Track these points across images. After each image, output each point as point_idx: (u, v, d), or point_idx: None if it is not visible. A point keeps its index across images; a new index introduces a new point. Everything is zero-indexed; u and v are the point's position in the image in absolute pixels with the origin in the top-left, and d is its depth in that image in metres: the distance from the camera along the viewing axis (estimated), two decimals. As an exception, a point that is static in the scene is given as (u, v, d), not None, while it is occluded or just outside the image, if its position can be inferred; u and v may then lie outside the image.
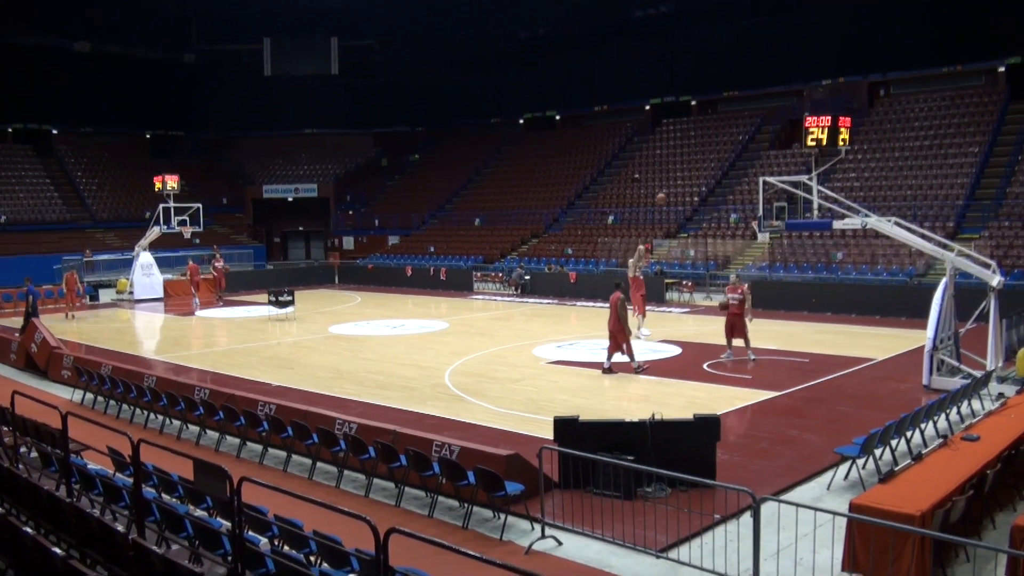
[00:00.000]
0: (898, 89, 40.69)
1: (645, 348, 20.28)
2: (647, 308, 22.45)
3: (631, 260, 22.25)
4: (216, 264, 35.17)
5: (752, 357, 18.35)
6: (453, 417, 13.96)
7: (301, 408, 12.75)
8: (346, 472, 11.16)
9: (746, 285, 18.91)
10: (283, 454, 12.00)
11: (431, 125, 60.14)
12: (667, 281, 31.78)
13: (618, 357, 17.42)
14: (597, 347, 20.47)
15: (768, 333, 23.28)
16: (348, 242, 54.43)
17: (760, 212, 18.84)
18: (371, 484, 10.69)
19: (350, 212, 56.52)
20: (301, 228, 58.93)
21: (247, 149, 59.84)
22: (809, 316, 26.19)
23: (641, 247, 22.54)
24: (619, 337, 16.90)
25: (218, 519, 8.48)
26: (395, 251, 47.32)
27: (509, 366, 18.34)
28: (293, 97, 58.25)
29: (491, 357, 19.41)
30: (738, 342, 18.54)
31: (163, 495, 9.00)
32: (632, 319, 21.70)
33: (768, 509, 8.81)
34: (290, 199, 57.10)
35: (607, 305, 23.18)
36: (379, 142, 61.20)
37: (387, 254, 46.93)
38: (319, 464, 11.53)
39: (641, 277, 22.06)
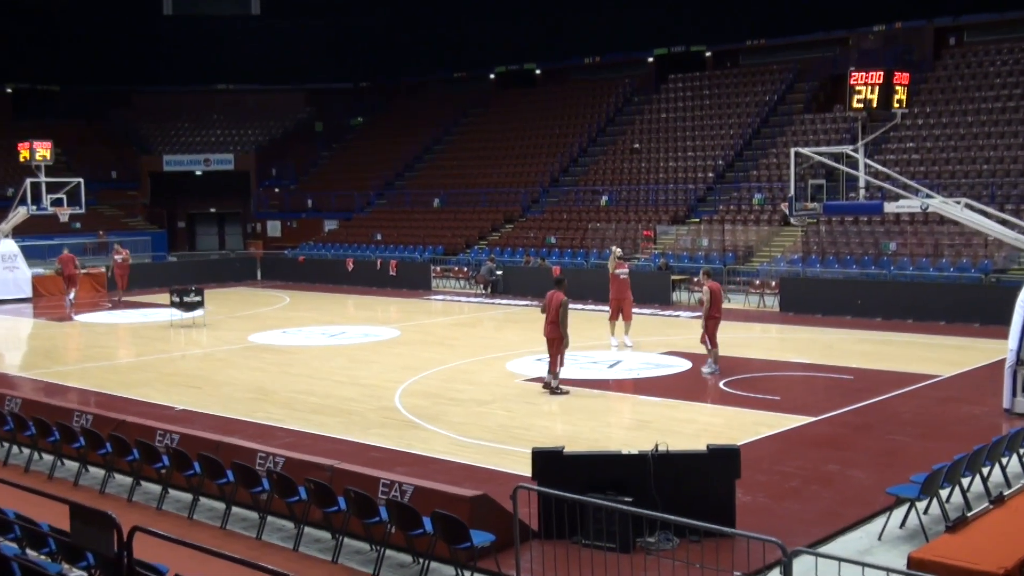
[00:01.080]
0: (973, 36, 40.87)
1: (646, 362, 20.33)
2: (634, 312, 22.58)
3: (610, 257, 22.63)
4: (117, 256, 34.89)
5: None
6: (405, 449, 13.91)
7: (212, 438, 12.65)
8: (270, 519, 11.07)
9: (706, 285, 19.22)
10: (188, 496, 11.89)
11: (378, 80, 60.07)
12: (673, 278, 31.92)
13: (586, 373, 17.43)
14: (587, 361, 20.50)
15: (801, 343, 23.39)
16: (273, 228, 54.29)
17: (792, 191, 18.95)
18: (301, 534, 10.61)
19: (276, 190, 56.32)
20: (213, 210, 58.66)
21: (142, 108, 59.42)
22: (853, 322, 26.41)
23: (615, 249, 22.79)
24: (556, 346, 16.99)
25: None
26: (333, 239, 47.26)
27: (476, 384, 18.31)
28: (202, 43, 57.90)
29: (453, 373, 19.38)
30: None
31: (28, 551, 8.85)
32: (618, 326, 21.85)
33: (802, 565, 8.81)
34: (199, 173, 56.80)
35: (604, 308, 23.30)
36: (312, 101, 61.06)
37: (323, 243, 46.91)
38: (235, 509, 11.44)
39: (624, 276, 22.13)
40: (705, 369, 19.11)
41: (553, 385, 17.16)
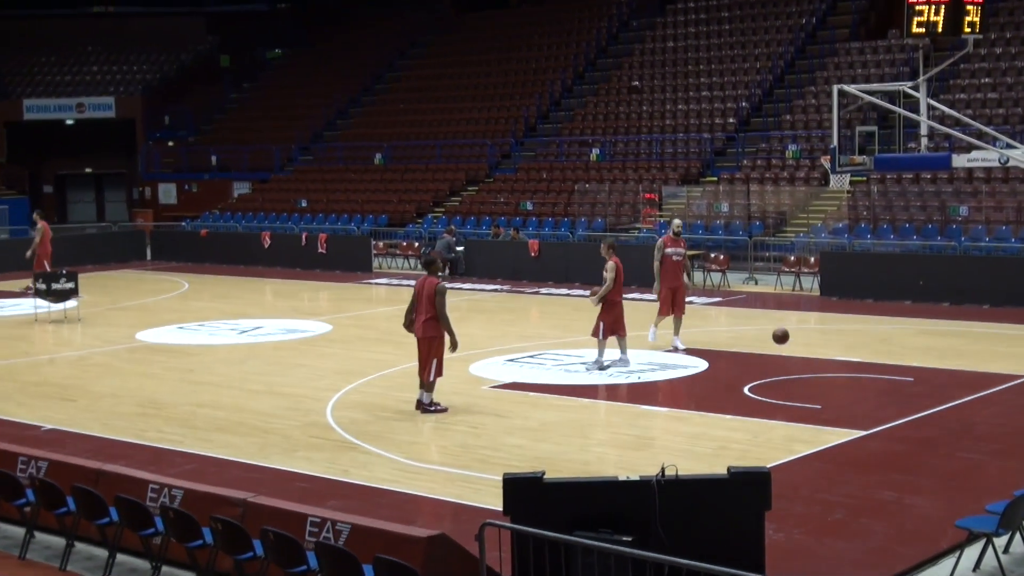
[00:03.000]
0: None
1: (649, 363, 20.38)
2: (633, 298, 22.65)
3: (666, 232, 22.54)
4: None
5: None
6: (340, 478, 13.90)
7: (91, 466, 12.58)
8: (166, 569, 11.04)
9: (611, 260, 19.67)
10: (61, 541, 11.85)
11: (301, 0, 59.69)
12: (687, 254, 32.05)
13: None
14: (572, 360, 20.52)
15: (847, 336, 23.50)
16: (167, 192, 53.98)
17: (835, 141, 19.03)
18: (206, 589, 10.60)
19: (170, 143, 55.97)
20: (89, 170, 58.24)
21: (-6, 38, 58.85)
22: (913, 308, 26.58)
23: (675, 222, 22.89)
24: (433, 349, 16.83)
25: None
26: (244, 207, 47.11)
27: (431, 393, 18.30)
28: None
29: (401, 379, 19.32)
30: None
31: None
32: (663, 318, 21.83)
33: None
34: (70, 122, 56.37)
35: (587, 294, 23.16)
36: (216, 28, 60.69)
37: (232, 212, 46.75)
38: (121, 557, 11.40)
39: (679, 258, 21.73)
40: (595, 366, 19.55)
41: (426, 401, 17.05)
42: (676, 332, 21.62)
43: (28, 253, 32.26)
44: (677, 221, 23.16)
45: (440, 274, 17.64)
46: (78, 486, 11.73)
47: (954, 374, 19.19)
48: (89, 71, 58.25)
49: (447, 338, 16.78)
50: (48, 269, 32.50)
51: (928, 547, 11.25)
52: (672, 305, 21.64)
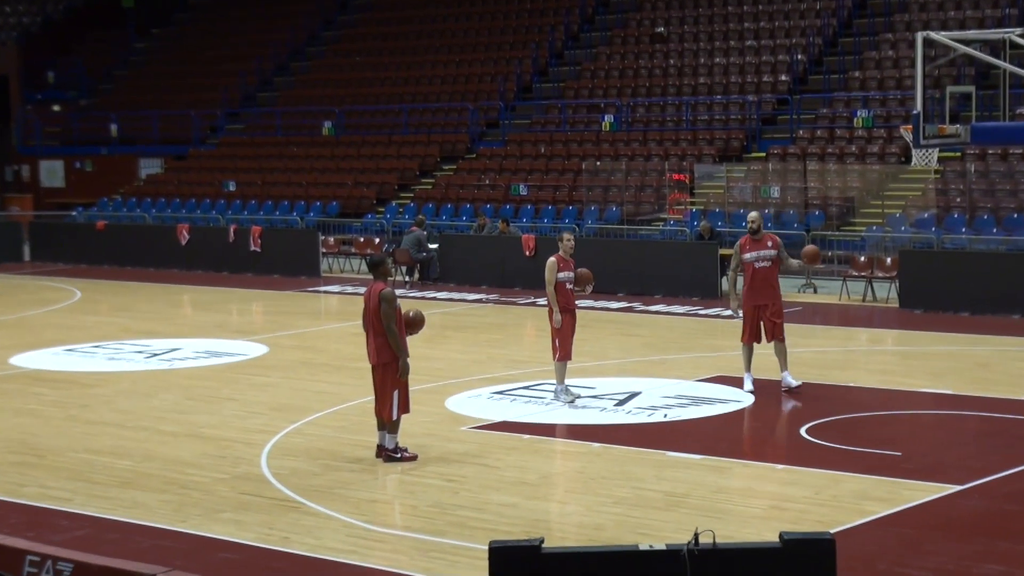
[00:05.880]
0: None
1: (678, 395, 20.37)
2: (661, 311, 22.50)
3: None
4: None
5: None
6: (278, 547, 13.82)
7: (-50, 531, 12.56)
8: (48, 667, 11.05)
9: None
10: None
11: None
12: (723, 253, 31.90)
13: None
14: (578, 392, 20.45)
15: (936, 361, 23.49)
16: (51, 172, 53.89)
17: (919, 106, 19.06)
18: None
19: (55, 107, 55.87)
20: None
21: None
22: (1022, 325, 26.69)
23: (753, 215, 21.63)
24: (392, 378, 16.73)
25: None
26: (154, 191, 47.10)
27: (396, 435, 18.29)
28: None
29: (357, 417, 19.31)
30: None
31: None
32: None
33: None
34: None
35: (612, 305, 22.89)
36: (116, -43, 60.64)
37: (137, 197, 46.68)
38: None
39: (764, 265, 21.24)
40: (563, 397, 19.65)
41: (389, 446, 16.95)
42: (783, 366, 20.74)
43: None
44: (753, 214, 21.43)
45: (389, 278, 17.54)
46: (-65, 558, 11.72)
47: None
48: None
49: (400, 360, 16.61)
50: None
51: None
52: (757, 329, 20.68)
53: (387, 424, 16.85)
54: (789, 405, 19.86)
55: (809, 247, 18.66)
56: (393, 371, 16.63)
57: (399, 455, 16.89)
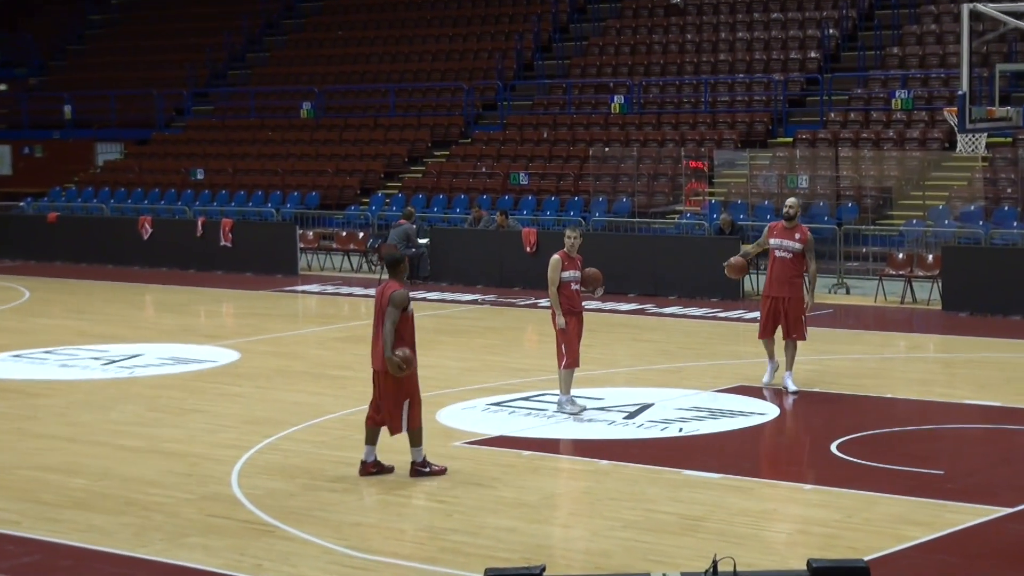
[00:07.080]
0: None
1: (695, 407, 20.41)
2: (676, 313, 22.50)
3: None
4: None
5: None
6: (249, 575, 13.87)
7: None
8: None
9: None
10: None
11: None
12: (746, 249, 31.93)
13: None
14: (584, 403, 20.47)
15: (982, 369, 23.53)
16: (-2, 159, 53.93)
17: (964, 86, 19.11)
18: None
19: (1, 86, 55.72)
20: None
21: None
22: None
23: (791, 201, 21.64)
24: (404, 386, 16.76)
25: None
26: (113, 180, 47.07)
27: (381, 452, 18.19)
28: None
29: (339, 430, 19.34)
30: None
31: None
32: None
33: None
34: None
35: (620, 306, 22.80)
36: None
37: (94, 187, 46.66)
38: None
39: (786, 255, 21.28)
40: (568, 408, 19.71)
41: (418, 460, 16.96)
42: (788, 366, 21.12)
43: None
44: (792, 200, 21.64)
45: (398, 285, 17.36)
46: None
47: None
48: None
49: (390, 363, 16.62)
50: None
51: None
52: (773, 324, 21.08)
53: (412, 434, 16.90)
54: (818, 419, 19.87)
55: (591, 270, 18.95)
56: (406, 378, 16.74)
57: (428, 469, 16.93)
